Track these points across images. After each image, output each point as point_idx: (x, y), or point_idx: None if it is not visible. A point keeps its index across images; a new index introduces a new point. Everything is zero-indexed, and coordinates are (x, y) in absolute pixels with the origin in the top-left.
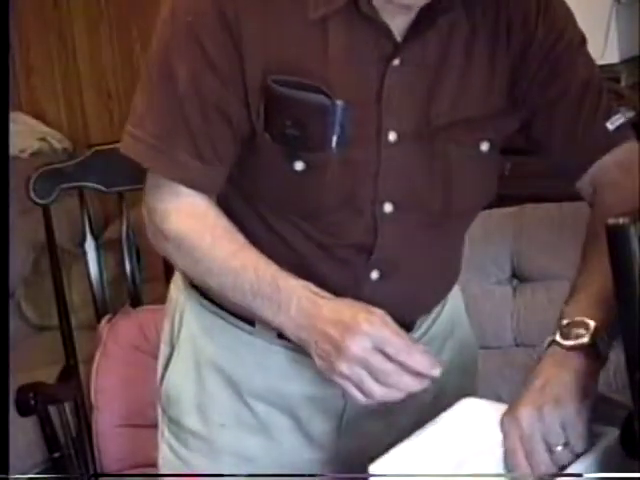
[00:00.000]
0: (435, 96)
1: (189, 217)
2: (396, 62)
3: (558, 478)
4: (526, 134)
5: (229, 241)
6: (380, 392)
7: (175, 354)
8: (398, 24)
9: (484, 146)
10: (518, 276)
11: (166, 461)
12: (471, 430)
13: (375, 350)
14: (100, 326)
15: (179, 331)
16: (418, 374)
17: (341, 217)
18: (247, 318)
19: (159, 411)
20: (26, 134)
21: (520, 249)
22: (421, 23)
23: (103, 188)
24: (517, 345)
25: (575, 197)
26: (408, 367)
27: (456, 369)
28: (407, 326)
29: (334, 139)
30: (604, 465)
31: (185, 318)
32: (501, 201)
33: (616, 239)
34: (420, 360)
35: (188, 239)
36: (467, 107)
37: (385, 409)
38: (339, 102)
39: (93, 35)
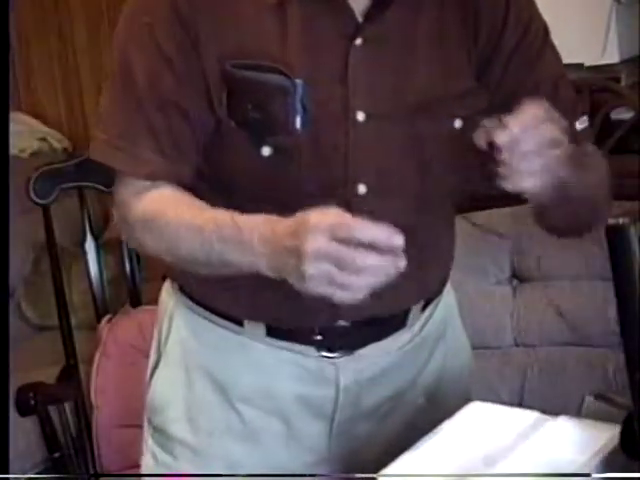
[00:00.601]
0: (404, 75)
1: (154, 202)
2: (358, 41)
3: (564, 478)
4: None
5: (190, 207)
6: (356, 281)
7: (163, 361)
8: (359, 3)
9: (457, 123)
10: (518, 276)
11: (149, 470)
12: (479, 435)
13: (332, 240)
14: (100, 326)
15: (167, 337)
16: (385, 252)
17: (316, 203)
18: (235, 318)
19: (144, 420)
20: (26, 134)
21: (520, 249)
22: (382, 2)
23: (103, 188)
24: (517, 345)
25: None
26: (370, 244)
27: (449, 371)
28: (400, 321)
29: (297, 120)
30: (610, 465)
31: (174, 323)
32: (501, 201)
33: (616, 239)
34: (376, 232)
35: (154, 217)
36: (436, 86)
37: (377, 411)
38: (298, 81)
39: (93, 35)
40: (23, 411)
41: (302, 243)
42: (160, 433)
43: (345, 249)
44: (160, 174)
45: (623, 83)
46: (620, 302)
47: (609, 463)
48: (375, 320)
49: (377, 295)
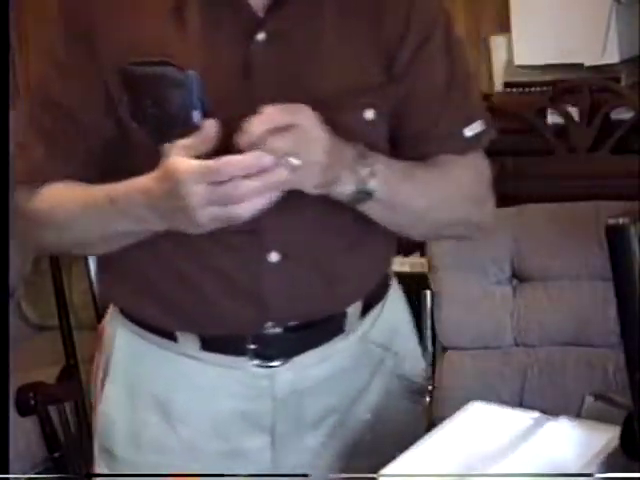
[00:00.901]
0: (310, 69)
1: (44, 199)
2: (260, 37)
3: (568, 477)
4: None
5: (82, 189)
6: (246, 207)
7: (107, 381)
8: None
9: (368, 114)
10: (518, 276)
11: None
12: (479, 435)
13: (208, 184)
14: (100, 326)
15: (110, 358)
16: (260, 171)
17: None
18: (169, 331)
19: (94, 442)
20: None
21: (520, 249)
22: None
23: None
24: (517, 345)
25: (575, 197)
26: (245, 171)
27: (397, 386)
28: (337, 326)
29: (195, 114)
30: (610, 465)
31: (116, 343)
32: (501, 201)
33: (616, 239)
34: (244, 163)
35: (48, 209)
36: (343, 80)
37: (323, 424)
38: (191, 72)
39: None
40: (23, 411)
41: (184, 200)
42: (107, 454)
43: (223, 188)
44: (49, 176)
45: (623, 83)
46: (620, 302)
47: (609, 463)
48: (309, 325)
49: (304, 297)
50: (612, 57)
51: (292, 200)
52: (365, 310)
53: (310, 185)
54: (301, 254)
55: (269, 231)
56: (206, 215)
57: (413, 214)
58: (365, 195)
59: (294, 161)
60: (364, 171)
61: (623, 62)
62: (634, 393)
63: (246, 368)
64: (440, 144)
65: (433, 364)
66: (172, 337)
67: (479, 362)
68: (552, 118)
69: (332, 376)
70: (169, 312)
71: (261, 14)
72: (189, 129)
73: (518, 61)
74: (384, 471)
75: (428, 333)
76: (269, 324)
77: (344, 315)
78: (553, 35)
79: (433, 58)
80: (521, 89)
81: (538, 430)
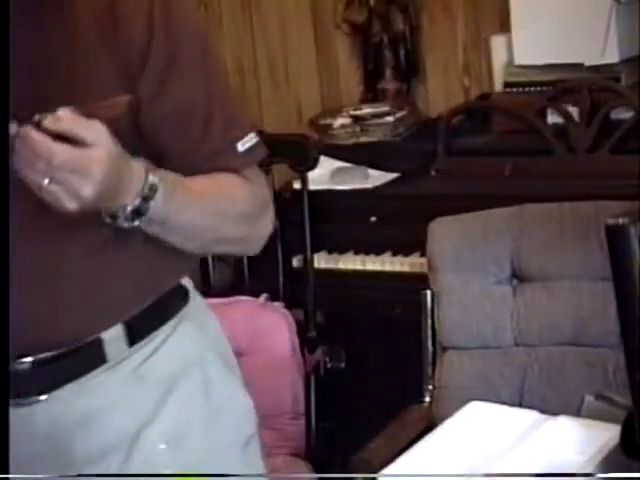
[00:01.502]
0: (46, 75)
1: None
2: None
3: (570, 478)
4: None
5: None
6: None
7: None
8: None
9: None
10: (518, 276)
11: None
12: (479, 435)
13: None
14: None
15: None
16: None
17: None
18: None
19: None
20: None
21: (520, 249)
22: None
23: None
24: (517, 345)
25: (575, 197)
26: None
27: (198, 414)
28: (96, 356)
29: None
30: (610, 465)
31: None
32: (501, 201)
33: (616, 239)
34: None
35: None
36: (75, 89)
37: (104, 459)
38: None
39: None
40: None
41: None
42: None
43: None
44: None
45: (623, 83)
46: (620, 302)
47: (609, 463)
48: (61, 356)
49: (44, 323)
50: (612, 57)
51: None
52: (134, 338)
53: (74, 204)
54: (42, 270)
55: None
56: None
57: (186, 232)
58: (141, 216)
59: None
60: (142, 190)
61: (623, 62)
62: (634, 393)
63: (11, 405)
64: (214, 162)
65: (433, 364)
66: None
67: (479, 362)
68: (552, 118)
69: (103, 409)
70: None
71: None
72: None
73: (518, 61)
74: (384, 471)
75: (428, 333)
76: (15, 360)
77: (100, 342)
78: (553, 35)
79: (185, 76)
80: (521, 89)
81: (538, 430)
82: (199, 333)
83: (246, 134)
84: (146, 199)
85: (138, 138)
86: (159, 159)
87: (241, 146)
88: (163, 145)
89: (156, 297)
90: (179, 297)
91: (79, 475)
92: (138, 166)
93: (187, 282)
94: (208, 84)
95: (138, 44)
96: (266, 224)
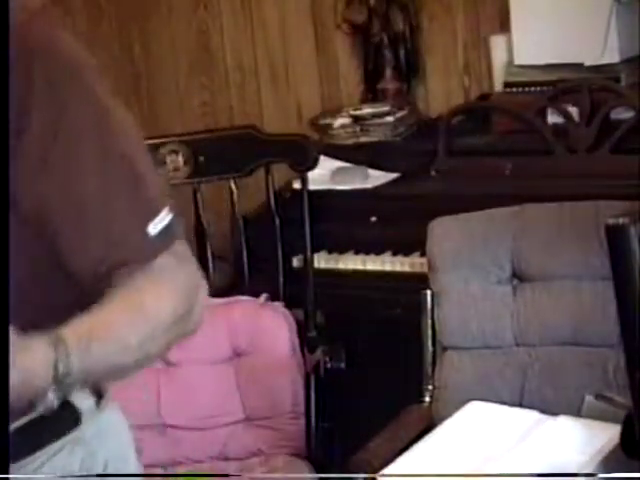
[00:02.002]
0: None
1: None
2: None
3: (571, 478)
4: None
5: None
6: None
7: None
8: None
9: None
10: (518, 276)
11: None
12: (479, 435)
13: None
14: None
15: None
16: None
17: None
18: None
19: None
20: None
21: (520, 249)
22: None
23: None
24: (517, 345)
25: (575, 197)
26: None
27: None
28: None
29: None
30: (610, 465)
31: None
32: (501, 201)
33: (616, 239)
34: None
35: None
36: None
37: None
38: None
39: (93, 35)
40: None
41: None
42: None
43: None
44: None
45: (623, 83)
46: (620, 302)
47: (609, 463)
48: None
49: None
50: (612, 57)
51: None
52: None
53: None
54: None
55: None
56: None
57: (113, 373)
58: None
59: None
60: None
61: (623, 62)
62: (634, 393)
63: None
64: (121, 253)
65: (433, 364)
66: None
67: (479, 362)
68: (552, 118)
69: None
70: None
71: None
72: None
73: (518, 61)
74: (384, 471)
75: (428, 333)
76: None
77: None
78: (553, 35)
79: (74, 146)
80: (521, 89)
81: (538, 430)
82: (90, 463)
83: (158, 212)
84: (61, 383)
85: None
86: (61, 267)
87: (153, 228)
88: (59, 243)
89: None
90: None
91: (79, 475)
92: (44, 356)
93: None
94: (106, 156)
95: (14, 113)
96: (198, 313)
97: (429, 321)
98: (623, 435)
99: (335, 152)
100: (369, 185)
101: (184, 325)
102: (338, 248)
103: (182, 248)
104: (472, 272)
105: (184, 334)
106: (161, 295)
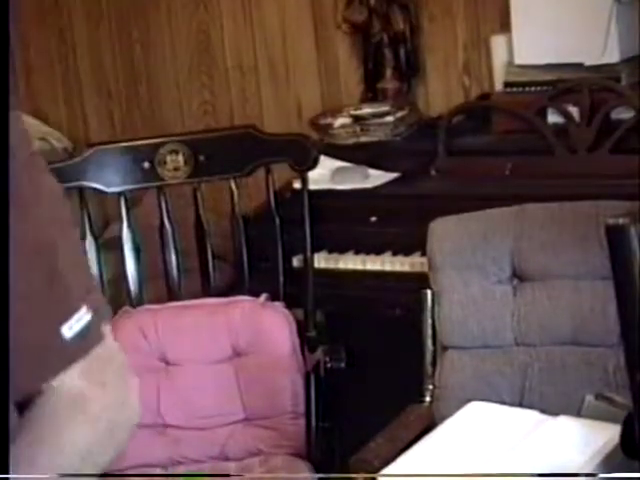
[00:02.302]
0: None
1: None
2: None
3: (571, 478)
4: None
5: None
6: None
7: None
8: None
9: None
10: (518, 276)
11: None
12: (479, 435)
13: None
14: None
15: None
16: None
17: None
18: None
19: None
20: None
21: (520, 249)
22: None
23: (103, 188)
24: (517, 344)
25: (575, 197)
26: None
27: None
28: None
29: None
30: (610, 465)
31: None
32: (501, 201)
33: (616, 239)
34: None
35: None
36: None
37: None
38: None
39: (93, 35)
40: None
41: None
42: None
43: None
44: None
45: (623, 83)
46: (620, 302)
47: (609, 463)
48: None
49: None
50: (612, 57)
51: None
52: None
53: None
54: None
55: None
56: None
57: None
58: None
59: None
60: None
61: (623, 62)
62: (634, 393)
63: None
64: (33, 363)
65: (433, 364)
66: None
67: (479, 361)
68: (552, 118)
69: None
70: None
71: None
72: None
73: (518, 61)
74: (384, 471)
75: (428, 332)
76: None
77: None
78: (553, 35)
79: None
80: (521, 89)
81: (538, 429)
82: None
83: (74, 312)
84: None
85: None
86: None
87: (68, 330)
88: None
89: None
90: None
91: (79, 475)
92: None
93: None
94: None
95: None
96: (132, 406)
97: (429, 321)
98: (623, 435)
99: (335, 152)
100: (369, 185)
101: (120, 433)
102: (338, 248)
103: (104, 347)
104: (472, 272)
105: (123, 442)
106: (77, 424)
